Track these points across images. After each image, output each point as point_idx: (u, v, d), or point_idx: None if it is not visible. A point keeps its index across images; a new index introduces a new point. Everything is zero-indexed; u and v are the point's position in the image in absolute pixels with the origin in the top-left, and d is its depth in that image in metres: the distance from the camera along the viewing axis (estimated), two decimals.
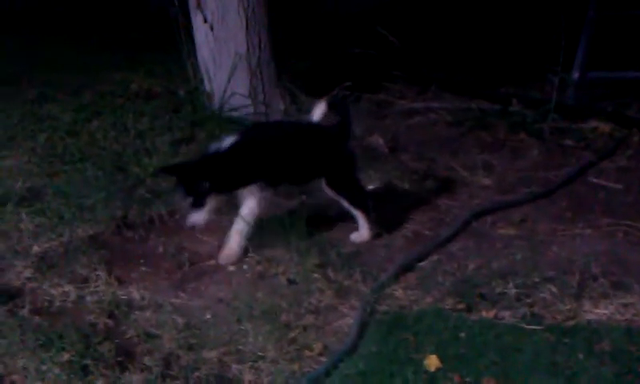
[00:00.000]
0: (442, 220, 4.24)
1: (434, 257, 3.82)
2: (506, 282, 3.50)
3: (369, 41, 6.20)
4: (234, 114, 5.45)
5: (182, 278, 3.71)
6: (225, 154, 3.83)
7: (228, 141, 3.87)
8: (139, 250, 3.96)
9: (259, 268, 3.75)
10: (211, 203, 3.76)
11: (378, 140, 5.13)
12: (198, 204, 3.74)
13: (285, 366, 3.04)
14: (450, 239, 3.96)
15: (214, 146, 3.91)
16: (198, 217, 3.76)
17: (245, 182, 3.84)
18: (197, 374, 2.98)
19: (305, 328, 3.29)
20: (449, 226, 4.09)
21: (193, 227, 3.82)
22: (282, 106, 5.59)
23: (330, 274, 3.65)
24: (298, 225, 3.91)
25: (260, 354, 3.11)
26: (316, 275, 3.63)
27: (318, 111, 4.09)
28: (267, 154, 3.87)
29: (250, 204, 3.85)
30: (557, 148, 5.11)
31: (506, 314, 3.32)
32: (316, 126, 4.12)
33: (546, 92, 5.65)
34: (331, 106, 4.10)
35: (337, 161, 4.03)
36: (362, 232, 4.02)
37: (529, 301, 3.39)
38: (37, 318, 3.26)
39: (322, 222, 4.09)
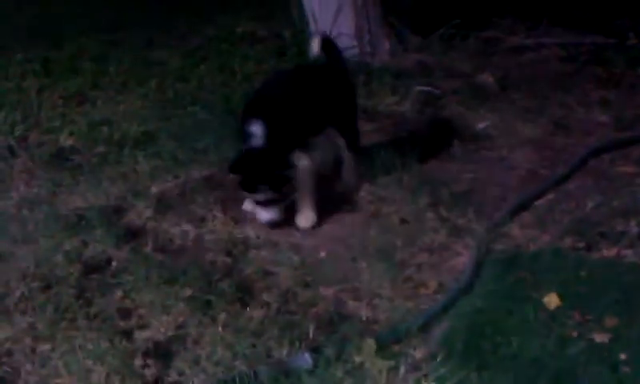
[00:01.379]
0: (557, 158, 4.13)
1: (551, 195, 3.74)
2: (627, 220, 3.41)
3: None
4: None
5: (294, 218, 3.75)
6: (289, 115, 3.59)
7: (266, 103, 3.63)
8: None
9: (372, 207, 3.75)
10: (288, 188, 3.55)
11: (488, 78, 5.02)
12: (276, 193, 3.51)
13: (401, 303, 3.06)
14: (567, 177, 3.86)
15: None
16: (275, 212, 3.55)
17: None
18: (314, 310, 3.03)
19: (419, 266, 3.29)
20: (565, 164, 3.98)
21: (273, 224, 3.57)
22: (387, 46, 5.52)
23: (443, 212, 3.62)
24: (410, 164, 3.90)
25: (376, 291, 3.13)
26: (429, 214, 3.61)
27: (316, 47, 3.93)
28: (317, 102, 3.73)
29: (303, 163, 3.63)
30: None
31: (628, 252, 3.23)
32: (327, 65, 3.96)
33: None
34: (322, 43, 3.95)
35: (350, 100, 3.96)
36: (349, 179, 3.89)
37: None
38: (159, 256, 3.37)
39: (433, 160, 4.05)
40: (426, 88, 4.96)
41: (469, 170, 4.03)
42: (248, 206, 3.69)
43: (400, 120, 4.69)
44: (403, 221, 3.61)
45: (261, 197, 3.51)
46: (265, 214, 3.54)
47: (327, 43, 3.99)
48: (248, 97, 3.85)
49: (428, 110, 4.77)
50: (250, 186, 3.52)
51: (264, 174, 3.49)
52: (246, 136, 3.53)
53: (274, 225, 3.55)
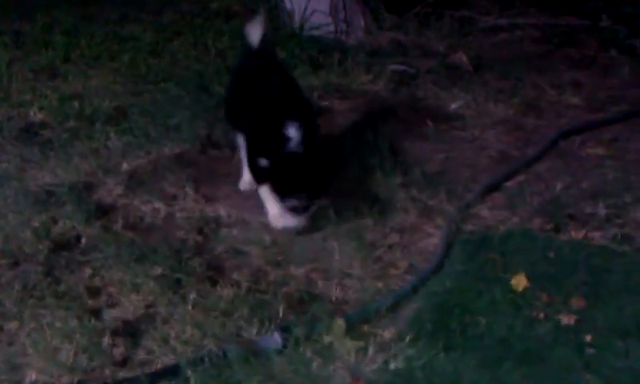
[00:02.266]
0: (529, 140, 4.16)
1: (521, 177, 3.76)
2: (595, 202, 3.44)
3: None
4: (315, 32, 5.39)
5: None
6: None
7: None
8: (225, 169, 3.99)
9: (343, 186, 3.75)
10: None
11: (461, 58, 5.03)
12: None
13: (371, 283, 3.07)
14: (537, 159, 3.89)
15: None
16: (304, 219, 3.39)
17: None
18: (285, 289, 3.03)
19: (390, 247, 3.30)
20: (536, 146, 4.00)
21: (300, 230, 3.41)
22: (362, 24, 5.51)
23: (415, 193, 3.63)
24: (382, 144, 3.90)
25: (346, 271, 3.14)
26: (400, 194, 3.62)
27: (257, 32, 3.86)
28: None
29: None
30: None
31: (596, 234, 3.27)
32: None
33: (639, 6, 5.42)
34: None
35: None
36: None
37: (619, 221, 3.33)
38: (130, 234, 3.35)
39: (406, 140, 4.05)
40: (400, 67, 4.96)
41: (441, 150, 4.05)
42: (246, 185, 3.66)
43: (374, 99, 4.69)
44: (374, 200, 3.62)
45: (295, 203, 3.35)
46: (292, 221, 3.38)
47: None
48: (265, 97, 3.57)
49: (402, 89, 4.77)
50: (287, 191, 3.35)
51: (305, 179, 3.34)
52: (280, 139, 3.34)
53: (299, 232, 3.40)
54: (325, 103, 4.68)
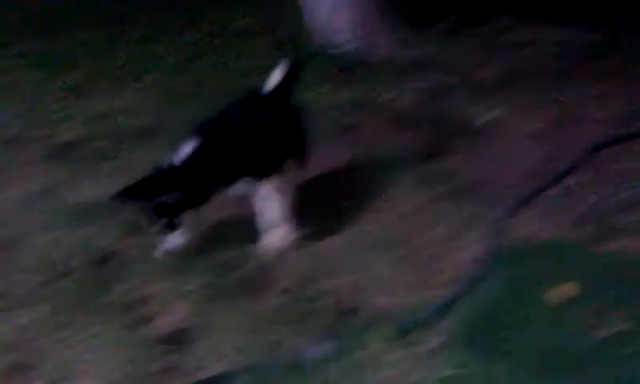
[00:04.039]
0: (557, 153, 4.16)
1: (554, 190, 3.78)
2: (631, 213, 3.44)
3: None
4: (338, 50, 5.43)
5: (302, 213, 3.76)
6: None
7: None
8: None
9: (374, 202, 3.76)
10: (187, 222, 3.31)
11: (486, 73, 5.06)
12: (172, 225, 3.28)
13: (415, 292, 3.09)
14: (569, 171, 3.90)
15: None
16: (175, 240, 3.30)
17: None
18: (331, 298, 3.05)
19: (429, 258, 3.32)
20: (567, 159, 4.02)
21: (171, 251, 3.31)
22: (385, 41, 5.54)
23: (445, 207, 3.65)
24: (410, 159, 3.92)
25: (390, 280, 3.16)
26: (431, 209, 3.64)
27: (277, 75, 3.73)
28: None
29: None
30: None
31: (634, 244, 3.27)
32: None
33: None
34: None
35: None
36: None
37: None
38: None
39: (432, 157, 4.07)
40: (424, 83, 4.98)
41: (470, 165, 4.06)
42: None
43: (399, 115, 4.71)
44: (404, 215, 3.62)
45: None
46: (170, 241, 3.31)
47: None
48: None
49: (428, 105, 4.80)
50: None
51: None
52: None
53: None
54: (350, 120, 4.71)
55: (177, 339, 2.77)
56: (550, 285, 3.03)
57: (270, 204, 3.40)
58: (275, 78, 3.71)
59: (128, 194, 3.28)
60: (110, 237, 3.43)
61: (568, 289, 2.99)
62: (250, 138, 3.42)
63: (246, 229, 3.47)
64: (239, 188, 3.39)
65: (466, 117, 4.60)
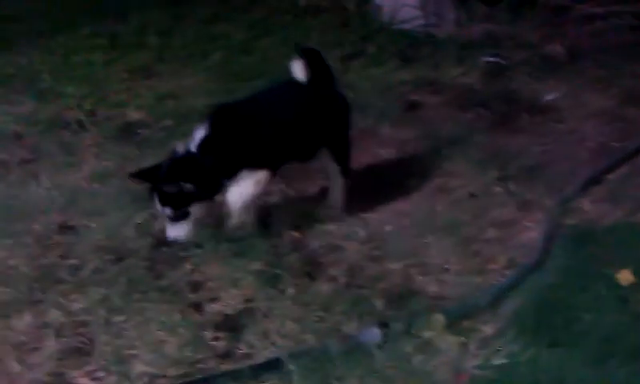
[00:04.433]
0: (629, 131, 4.03)
1: (624, 169, 3.65)
2: None
3: None
4: (405, 26, 5.36)
5: (360, 191, 3.73)
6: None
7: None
8: (318, 165, 4.00)
9: (438, 181, 3.72)
10: (194, 213, 3.21)
11: (556, 48, 4.91)
12: (179, 215, 3.19)
13: (469, 278, 3.03)
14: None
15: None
16: (181, 230, 3.22)
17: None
18: (382, 284, 3.01)
19: (488, 241, 3.26)
20: (637, 137, 3.88)
21: (174, 242, 3.22)
22: (452, 16, 5.43)
23: (512, 186, 3.57)
24: (477, 137, 3.84)
25: (444, 266, 3.11)
26: (497, 188, 3.57)
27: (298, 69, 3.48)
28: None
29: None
30: None
31: None
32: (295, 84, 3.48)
33: None
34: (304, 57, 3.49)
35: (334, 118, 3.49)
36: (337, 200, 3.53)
37: None
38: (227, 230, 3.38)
39: (500, 133, 3.98)
40: (492, 58, 4.87)
41: (538, 143, 3.97)
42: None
43: (466, 92, 4.62)
44: (471, 195, 3.57)
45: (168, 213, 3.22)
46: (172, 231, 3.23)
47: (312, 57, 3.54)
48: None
49: (495, 82, 4.70)
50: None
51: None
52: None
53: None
54: (416, 97, 4.64)
55: (229, 324, 2.78)
56: (614, 270, 2.92)
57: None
58: (302, 68, 3.47)
59: (141, 177, 3.26)
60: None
61: (626, 275, 2.88)
62: (272, 126, 3.30)
63: (298, 214, 3.46)
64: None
65: (534, 93, 4.48)
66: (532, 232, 3.29)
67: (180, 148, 3.26)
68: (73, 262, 3.16)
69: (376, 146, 4.07)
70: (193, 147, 3.22)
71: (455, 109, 4.45)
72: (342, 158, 3.52)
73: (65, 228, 3.41)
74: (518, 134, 4.05)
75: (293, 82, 3.51)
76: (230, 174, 3.23)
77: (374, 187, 3.75)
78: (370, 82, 4.85)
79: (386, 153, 4.03)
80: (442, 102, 4.56)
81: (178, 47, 5.62)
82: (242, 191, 3.24)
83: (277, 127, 3.32)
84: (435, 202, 3.55)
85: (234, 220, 3.26)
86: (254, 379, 2.53)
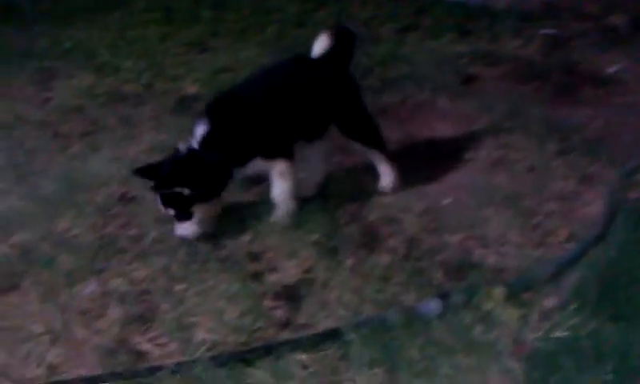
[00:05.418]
0: None
1: None
2: None
3: None
4: None
5: (417, 164, 3.71)
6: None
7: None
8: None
9: (496, 154, 3.67)
10: (199, 213, 3.10)
11: (617, 19, 4.80)
12: (182, 216, 3.09)
13: (529, 251, 3.00)
14: None
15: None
16: (187, 229, 3.11)
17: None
18: (440, 256, 3.00)
19: (549, 214, 3.21)
20: None
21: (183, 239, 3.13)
22: None
23: (573, 159, 3.51)
24: (536, 109, 3.78)
25: (503, 238, 3.08)
26: (558, 161, 3.52)
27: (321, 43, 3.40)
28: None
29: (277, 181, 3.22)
30: None
31: None
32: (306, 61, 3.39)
33: None
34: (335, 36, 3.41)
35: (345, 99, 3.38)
36: (386, 179, 3.45)
37: None
38: None
39: (561, 106, 3.92)
40: (552, 30, 4.78)
41: (600, 116, 3.89)
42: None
43: (525, 64, 4.55)
44: (531, 168, 3.52)
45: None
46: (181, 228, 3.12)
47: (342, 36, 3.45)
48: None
49: (555, 54, 4.61)
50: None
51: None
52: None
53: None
54: (474, 70, 4.58)
55: (288, 294, 2.80)
56: None
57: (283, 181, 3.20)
58: (323, 44, 3.40)
59: (145, 174, 3.13)
60: (227, 193, 3.47)
61: None
62: (279, 105, 3.19)
63: (355, 187, 3.46)
64: (256, 165, 3.19)
65: (596, 65, 4.39)
66: (593, 206, 3.23)
67: (182, 146, 3.12)
68: (134, 232, 3.22)
69: (433, 119, 4.04)
70: (195, 144, 3.10)
71: (514, 81, 4.38)
72: (367, 135, 3.41)
73: (125, 199, 3.46)
74: (579, 106, 3.97)
75: (297, 58, 3.47)
76: (240, 164, 3.14)
77: (431, 160, 3.72)
78: (426, 55, 4.81)
79: (443, 126, 3.99)
80: (500, 74, 4.49)
81: (232, 21, 5.65)
82: (280, 187, 3.20)
83: (278, 107, 3.20)
84: (494, 175, 3.51)
85: (281, 211, 3.23)
86: (314, 348, 2.54)
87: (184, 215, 3.08)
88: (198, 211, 3.08)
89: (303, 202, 3.29)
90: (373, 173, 3.49)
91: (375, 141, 3.45)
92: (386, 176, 3.46)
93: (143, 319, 2.72)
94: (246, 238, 3.14)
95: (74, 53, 5.25)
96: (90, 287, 2.88)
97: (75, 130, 4.19)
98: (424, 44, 5.01)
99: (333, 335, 2.59)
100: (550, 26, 4.85)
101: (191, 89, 4.67)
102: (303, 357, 2.52)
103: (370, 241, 3.10)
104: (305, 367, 2.49)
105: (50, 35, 5.55)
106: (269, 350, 2.55)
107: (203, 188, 3.08)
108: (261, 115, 3.16)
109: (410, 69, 4.65)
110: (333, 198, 3.38)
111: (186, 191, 3.04)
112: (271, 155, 3.18)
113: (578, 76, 4.30)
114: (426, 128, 4.00)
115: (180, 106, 4.45)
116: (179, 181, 3.05)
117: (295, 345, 2.57)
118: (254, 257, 3.02)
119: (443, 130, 3.97)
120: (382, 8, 5.51)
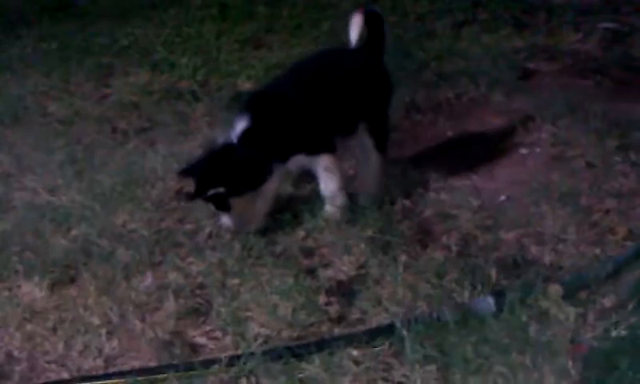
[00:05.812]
0: None
1: None
2: None
3: None
4: None
5: (473, 161, 3.68)
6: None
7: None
8: (428, 133, 3.97)
9: (554, 150, 3.62)
10: (238, 207, 3.09)
11: None
12: (220, 208, 3.11)
13: (587, 248, 2.95)
14: None
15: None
16: (228, 220, 3.12)
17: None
18: (496, 253, 2.97)
19: (607, 212, 3.15)
20: None
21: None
22: None
23: (633, 156, 3.44)
24: (595, 104, 3.72)
25: (560, 236, 3.03)
26: (617, 158, 3.45)
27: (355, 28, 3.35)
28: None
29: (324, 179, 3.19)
30: None
31: None
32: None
33: None
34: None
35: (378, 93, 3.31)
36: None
37: None
38: None
39: (621, 101, 3.84)
40: (612, 24, 4.69)
41: None
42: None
43: (584, 59, 4.47)
44: (589, 164, 3.46)
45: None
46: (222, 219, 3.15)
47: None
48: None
49: (615, 48, 4.52)
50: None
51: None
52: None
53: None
54: (531, 65, 4.52)
55: (342, 290, 2.79)
56: None
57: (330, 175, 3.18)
58: (357, 27, 3.36)
59: (189, 174, 3.14)
60: (282, 189, 3.48)
61: None
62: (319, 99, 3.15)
63: (409, 182, 3.44)
64: (299, 161, 3.17)
65: None
66: None
67: (221, 139, 3.13)
68: (190, 226, 3.25)
69: (489, 114, 4.00)
70: (234, 138, 3.09)
71: (572, 76, 4.31)
72: (379, 130, 3.33)
73: (181, 194, 3.50)
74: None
75: (335, 49, 3.52)
76: (281, 160, 3.12)
77: (487, 156, 3.69)
78: (482, 50, 4.76)
79: (498, 121, 3.95)
80: (558, 69, 4.43)
81: (286, 17, 5.66)
82: (327, 182, 3.19)
83: (319, 101, 3.15)
84: (551, 172, 3.46)
85: (332, 207, 3.21)
86: (367, 344, 2.53)
87: (221, 208, 3.10)
88: (236, 205, 3.08)
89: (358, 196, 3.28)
90: (424, 167, 3.46)
91: (385, 142, 3.38)
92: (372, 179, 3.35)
93: (198, 313, 2.75)
94: (300, 233, 3.15)
95: (130, 50, 5.32)
96: (147, 281, 2.92)
97: (132, 125, 4.25)
98: (480, 38, 4.95)
99: (386, 331, 2.58)
100: (609, 19, 4.76)
101: (246, 85, 4.70)
102: (356, 352, 2.51)
103: (424, 237, 3.09)
104: (357, 363, 2.48)
105: (107, 33, 5.64)
106: (322, 345, 2.55)
107: (236, 184, 3.06)
108: (301, 110, 3.14)
109: (466, 64, 4.60)
110: (387, 194, 3.37)
111: (220, 189, 3.04)
112: (315, 150, 3.18)
113: (638, 71, 4.21)
114: (482, 123, 3.96)
115: (234, 101, 4.47)
116: (211, 183, 3.04)
117: (348, 340, 2.56)
118: (308, 252, 3.03)
119: (499, 125, 3.93)
120: (437, 2, 5.47)
